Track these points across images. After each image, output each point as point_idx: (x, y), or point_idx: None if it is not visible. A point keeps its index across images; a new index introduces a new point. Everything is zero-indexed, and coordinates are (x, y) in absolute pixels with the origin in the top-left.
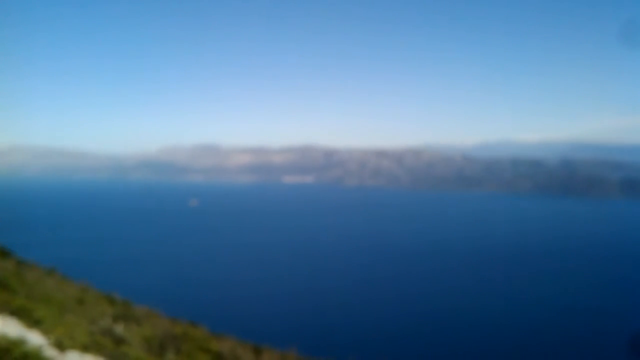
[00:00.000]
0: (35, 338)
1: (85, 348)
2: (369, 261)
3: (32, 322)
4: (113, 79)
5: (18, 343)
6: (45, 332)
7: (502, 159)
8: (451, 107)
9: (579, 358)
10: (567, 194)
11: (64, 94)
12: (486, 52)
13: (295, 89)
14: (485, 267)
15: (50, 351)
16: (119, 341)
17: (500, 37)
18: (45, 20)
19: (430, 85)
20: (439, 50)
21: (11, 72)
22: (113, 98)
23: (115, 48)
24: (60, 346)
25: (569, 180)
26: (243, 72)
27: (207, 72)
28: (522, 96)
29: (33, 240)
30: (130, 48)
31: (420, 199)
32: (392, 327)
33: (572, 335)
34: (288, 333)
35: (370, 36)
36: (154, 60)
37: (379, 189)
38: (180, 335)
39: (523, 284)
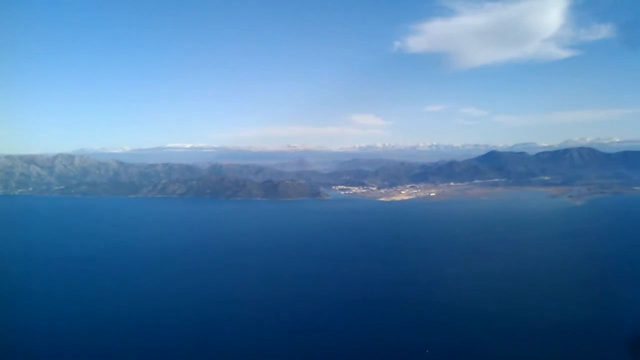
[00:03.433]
0: None
1: None
2: None
3: None
4: None
5: None
6: None
7: (156, 165)
8: (104, 113)
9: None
10: (217, 196)
11: None
12: (130, 62)
13: None
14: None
15: None
16: None
17: (145, 50)
18: None
19: (78, 89)
20: (86, 58)
21: None
22: None
23: None
24: None
25: (218, 183)
26: None
27: None
28: (174, 107)
29: None
30: None
31: (69, 206)
32: None
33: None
34: None
35: (43, 39)
36: None
37: (26, 197)
38: None
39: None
